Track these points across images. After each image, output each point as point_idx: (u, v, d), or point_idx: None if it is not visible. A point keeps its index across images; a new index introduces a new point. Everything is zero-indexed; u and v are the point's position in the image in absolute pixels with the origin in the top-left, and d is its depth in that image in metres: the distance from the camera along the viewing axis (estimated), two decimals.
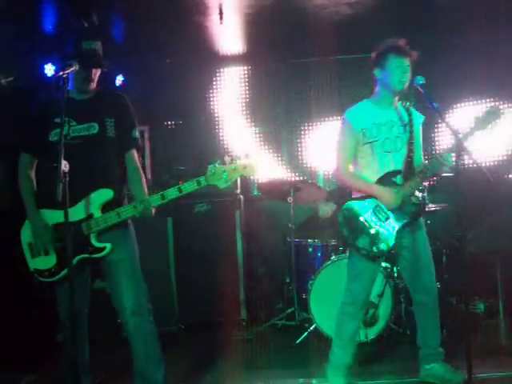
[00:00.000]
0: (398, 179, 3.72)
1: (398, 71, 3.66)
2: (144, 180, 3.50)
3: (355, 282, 3.80)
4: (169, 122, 6.72)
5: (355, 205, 3.75)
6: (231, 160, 3.21)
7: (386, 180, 3.71)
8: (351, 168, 3.80)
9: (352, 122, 3.74)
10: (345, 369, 3.80)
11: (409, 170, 3.73)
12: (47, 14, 5.13)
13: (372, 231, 3.68)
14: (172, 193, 3.25)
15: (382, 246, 3.67)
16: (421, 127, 3.89)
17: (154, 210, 3.31)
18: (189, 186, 3.23)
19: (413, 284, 3.85)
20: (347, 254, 4.21)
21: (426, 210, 5.19)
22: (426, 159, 4.00)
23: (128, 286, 3.38)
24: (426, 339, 3.80)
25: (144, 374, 3.41)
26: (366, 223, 3.69)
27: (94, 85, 3.45)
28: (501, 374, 3.88)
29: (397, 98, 3.81)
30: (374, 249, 3.67)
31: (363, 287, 3.79)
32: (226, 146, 6.75)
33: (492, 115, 3.51)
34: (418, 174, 3.67)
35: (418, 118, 3.88)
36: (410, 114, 3.81)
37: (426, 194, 4.51)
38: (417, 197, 3.73)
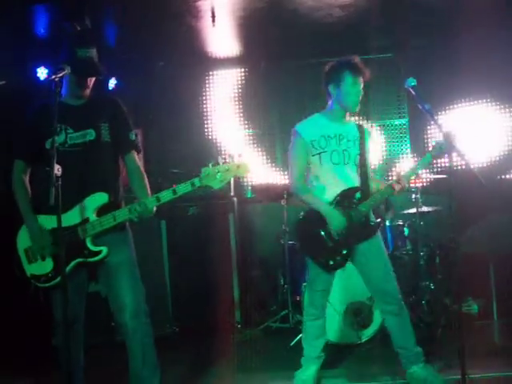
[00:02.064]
0: (357, 197, 3.76)
1: (354, 91, 3.73)
2: (146, 180, 3.49)
3: (314, 285, 3.91)
4: (162, 125, 6.71)
5: (314, 215, 3.77)
6: (224, 160, 3.22)
7: (344, 197, 3.75)
8: (304, 180, 3.86)
9: (302, 134, 3.81)
10: (315, 359, 3.96)
11: (365, 187, 3.81)
12: (39, 17, 5.12)
13: (329, 244, 3.73)
14: (167, 195, 3.24)
15: (339, 259, 3.73)
16: (370, 142, 3.95)
17: (154, 210, 3.31)
18: (183, 188, 3.23)
19: (372, 289, 3.92)
20: None
21: (420, 211, 5.25)
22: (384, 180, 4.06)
23: (127, 288, 3.37)
24: (399, 341, 3.81)
25: (140, 377, 3.39)
26: (324, 236, 3.74)
27: (89, 90, 3.46)
28: (494, 374, 3.90)
29: (347, 113, 3.89)
30: (331, 262, 3.73)
31: (321, 291, 3.89)
32: (220, 149, 6.76)
33: (447, 145, 3.45)
34: (373, 196, 3.75)
35: (369, 134, 3.97)
36: (361, 131, 3.88)
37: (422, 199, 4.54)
38: (373, 218, 3.83)
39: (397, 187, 3.69)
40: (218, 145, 6.78)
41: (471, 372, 3.33)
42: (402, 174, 3.75)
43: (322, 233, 3.74)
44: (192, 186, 3.22)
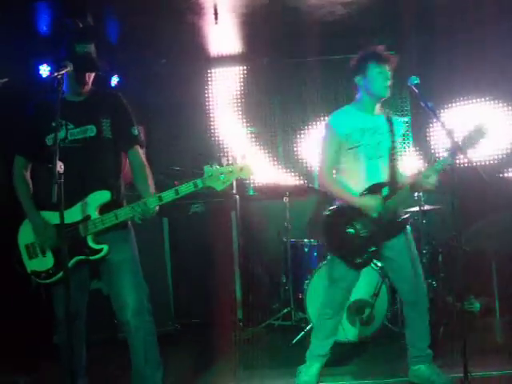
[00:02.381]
0: (384, 192, 3.71)
1: (380, 78, 3.67)
2: (151, 177, 3.45)
3: (334, 285, 3.84)
4: (164, 122, 6.70)
5: (341, 211, 3.74)
6: (228, 162, 3.20)
7: (372, 192, 3.69)
8: (334, 173, 3.80)
9: (335, 128, 3.75)
10: (321, 357, 3.92)
11: (394, 182, 3.75)
12: (42, 14, 5.12)
13: (357, 242, 3.68)
14: (169, 195, 3.22)
15: (366, 257, 3.69)
16: (400, 134, 3.88)
17: (157, 209, 3.29)
18: (186, 188, 3.21)
19: (400, 285, 3.85)
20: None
21: (422, 209, 5.24)
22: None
23: (129, 286, 3.36)
24: (415, 340, 3.80)
25: (143, 374, 3.39)
26: (352, 234, 3.69)
27: (88, 87, 3.44)
28: (497, 372, 3.89)
29: (379, 105, 3.82)
30: (358, 260, 3.68)
31: (342, 292, 3.84)
32: (221, 147, 6.76)
33: (478, 134, 3.41)
34: (398, 192, 3.66)
35: (400, 127, 3.89)
36: (391, 123, 3.81)
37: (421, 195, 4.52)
38: (401, 213, 3.77)
39: (419, 184, 3.59)
40: (220, 142, 6.77)
41: (473, 370, 3.34)
42: (424, 172, 3.58)
43: (351, 230, 3.69)
44: (195, 186, 3.20)
